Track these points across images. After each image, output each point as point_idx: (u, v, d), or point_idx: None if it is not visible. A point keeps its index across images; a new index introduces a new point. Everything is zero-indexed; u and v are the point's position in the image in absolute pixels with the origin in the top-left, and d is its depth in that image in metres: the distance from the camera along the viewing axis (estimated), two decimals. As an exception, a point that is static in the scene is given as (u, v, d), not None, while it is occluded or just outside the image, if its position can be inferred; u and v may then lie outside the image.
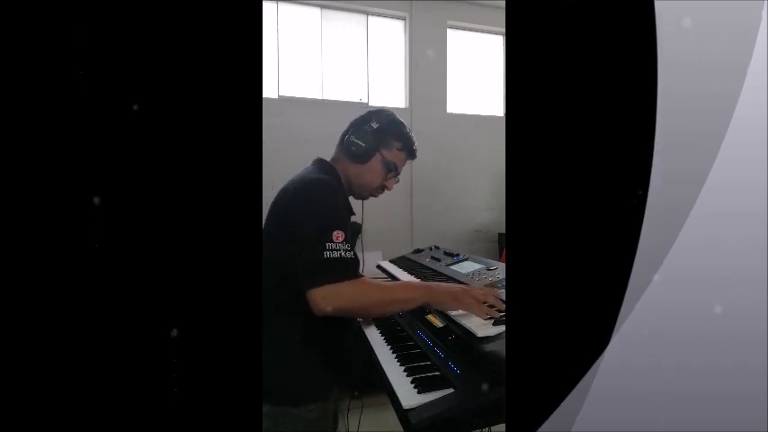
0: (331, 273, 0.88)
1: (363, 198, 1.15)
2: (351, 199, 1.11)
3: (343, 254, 0.89)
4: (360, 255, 1.02)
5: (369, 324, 1.30)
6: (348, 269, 0.91)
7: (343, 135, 1.10)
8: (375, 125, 1.06)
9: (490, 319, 0.89)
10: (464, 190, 3.80)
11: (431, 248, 1.89)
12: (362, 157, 1.06)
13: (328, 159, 1.12)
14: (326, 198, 0.96)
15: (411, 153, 1.12)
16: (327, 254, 0.88)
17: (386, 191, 1.14)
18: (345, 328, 1.15)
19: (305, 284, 0.88)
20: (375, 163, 1.07)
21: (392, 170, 1.09)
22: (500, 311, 0.92)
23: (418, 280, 1.44)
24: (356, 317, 0.95)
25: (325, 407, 1.05)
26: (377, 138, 1.06)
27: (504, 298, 0.97)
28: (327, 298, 0.87)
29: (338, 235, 0.90)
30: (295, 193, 0.98)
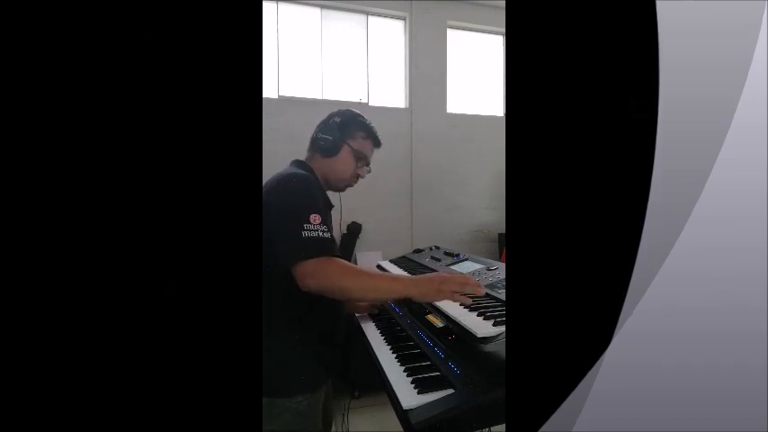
0: (310, 250, 0.95)
1: (340, 190, 1.25)
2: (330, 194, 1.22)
3: (320, 234, 0.97)
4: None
5: (368, 322, 1.30)
6: (325, 247, 0.97)
7: (313, 136, 1.21)
8: (338, 119, 1.19)
9: (490, 318, 0.89)
10: (464, 190, 3.79)
11: (431, 248, 1.89)
12: (332, 150, 1.17)
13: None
14: (302, 187, 1.05)
15: (376, 140, 1.23)
16: (306, 234, 0.95)
17: (359, 179, 1.25)
18: (332, 320, 1.17)
19: (288, 263, 0.96)
20: (345, 154, 1.18)
21: (362, 159, 1.21)
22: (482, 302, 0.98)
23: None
24: (338, 298, 1.02)
25: (314, 399, 1.07)
26: (342, 130, 1.18)
27: (484, 288, 1.03)
28: (312, 274, 0.94)
29: (315, 218, 0.97)
30: (270, 190, 1.04)
